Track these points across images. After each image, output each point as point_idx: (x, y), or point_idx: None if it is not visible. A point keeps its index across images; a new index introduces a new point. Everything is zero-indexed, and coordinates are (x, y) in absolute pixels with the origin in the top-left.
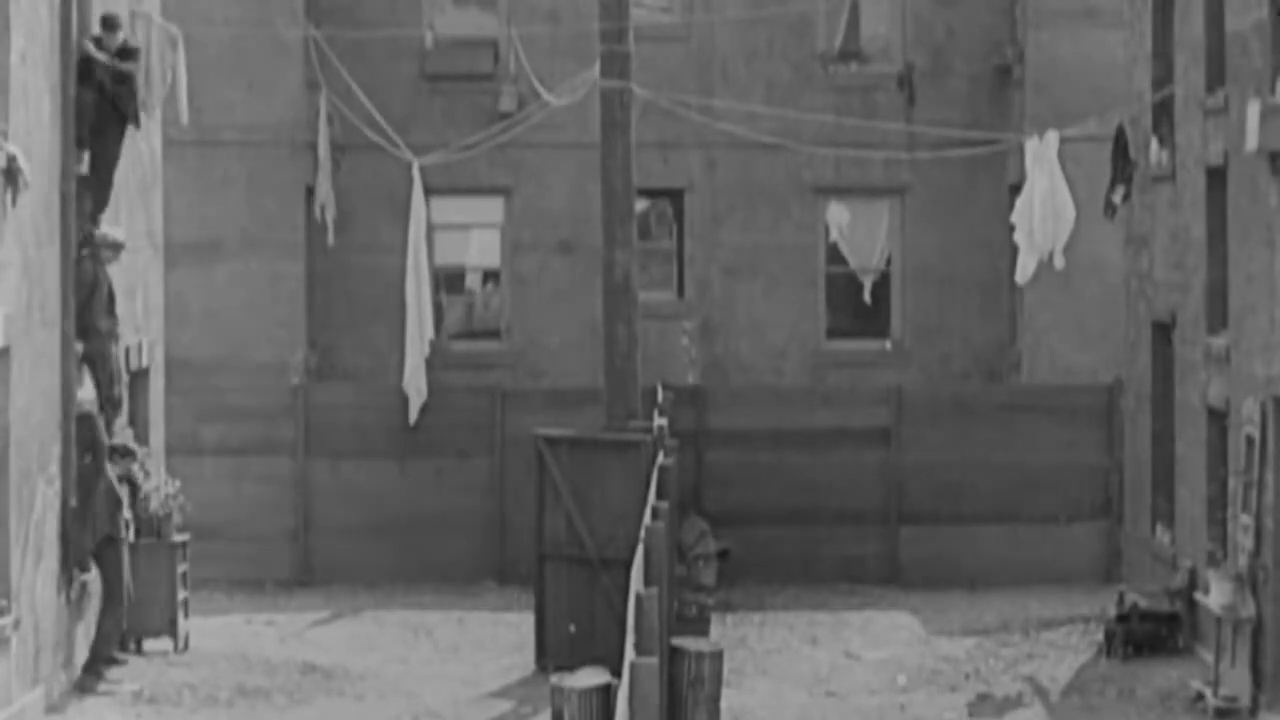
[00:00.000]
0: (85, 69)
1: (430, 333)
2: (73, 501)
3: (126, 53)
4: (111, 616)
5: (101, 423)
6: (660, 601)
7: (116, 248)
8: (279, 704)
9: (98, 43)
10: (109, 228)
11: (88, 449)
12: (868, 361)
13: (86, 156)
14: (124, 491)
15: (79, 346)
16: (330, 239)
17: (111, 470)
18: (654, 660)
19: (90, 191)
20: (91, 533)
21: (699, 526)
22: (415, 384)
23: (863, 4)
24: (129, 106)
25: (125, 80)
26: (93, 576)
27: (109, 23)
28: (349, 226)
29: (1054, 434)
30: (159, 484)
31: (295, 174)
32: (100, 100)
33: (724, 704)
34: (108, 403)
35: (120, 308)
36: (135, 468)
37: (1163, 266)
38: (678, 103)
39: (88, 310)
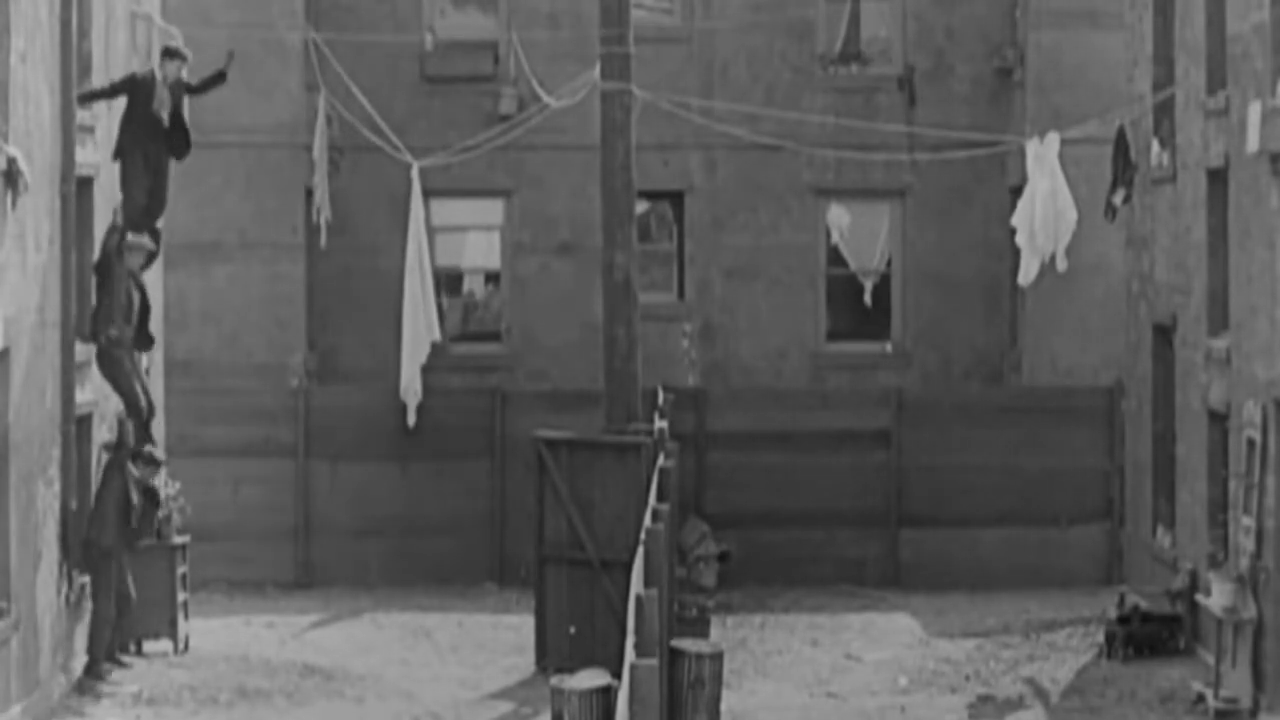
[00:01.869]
0: (147, 91)
1: (437, 334)
2: (73, 503)
3: (191, 88)
4: (102, 617)
5: (130, 427)
6: (660, 603)
7: (145, 251)
8: (279, 705)
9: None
10: (136, 235)
11: (110, 450)
12: (868, 363)
13: (119, 167)
14: (138, 495)
15: (87, 349)
16: (323, 241)
17: (132, 474)
18: (654, 662)
19: (141, 203)
20: (107, 532)
21: (699, 528)
22: (412, 388)
23: (863, 6)
24: (182, 134)
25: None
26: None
27: (172, 53)
28: (349, 228)
29: (1055, 436)
30: (159, 485)
31: (295, 175)
32: (148, 118)
33: (724, 705)
34: (130, 408)
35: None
36: (158, 478)
37: (1164, 268)
38: (678, 104)
39: (97, 315)
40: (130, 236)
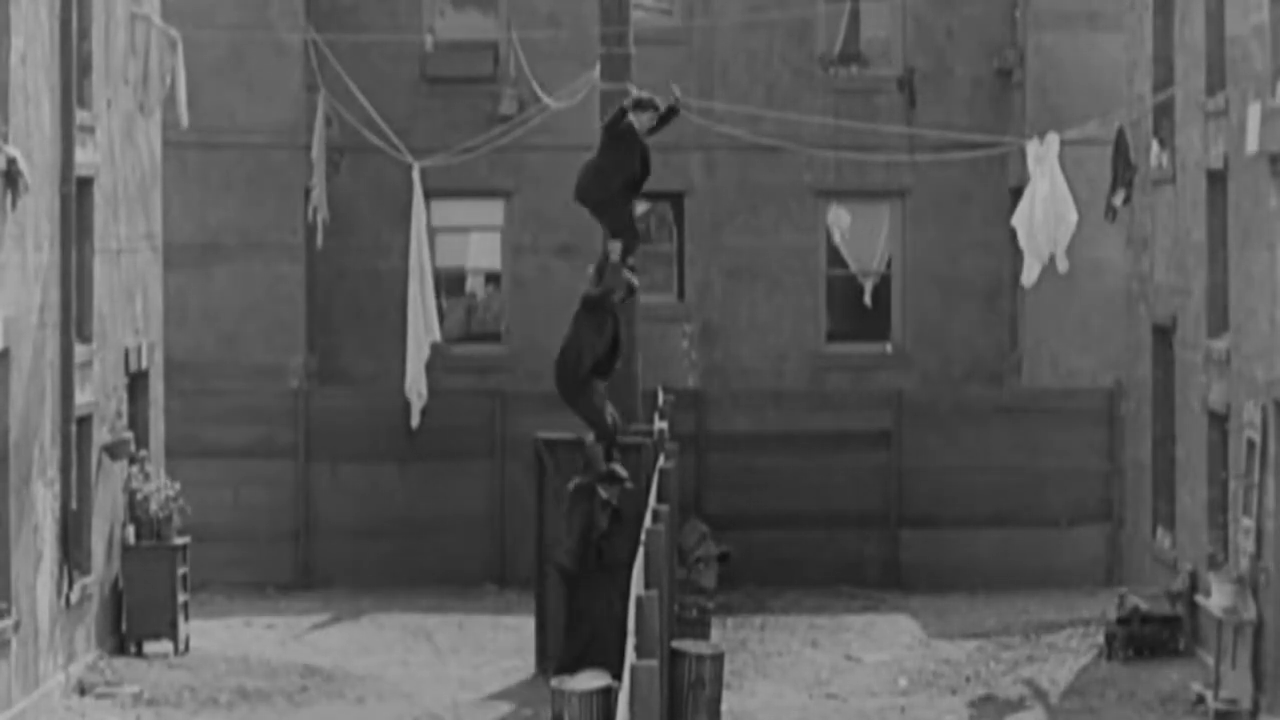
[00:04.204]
0: (628, 142)
1: (436, 335)
2: (73, 504)
3: (653, 130)
4: (578, 638)
5: (599, 451)
6: (661, 604)
7: (628, 286)
8: (279, 706)
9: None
10: (628, 271)
11: (580, 473)
12: (868, 364)
13: (596, 207)
14: (605, 519)
15: (601, 385)
16: (319, 242)
17: (600, 497)
18: (654, 663)
19: (634, 241)
20: (571, 556)
21: (699, 529)
22: (416, 388)
23: (863, 7)
24: (645, 177)
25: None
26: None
27: (643, 104)
28: (349, 229)
29: (1055, 437)
30: (159, 486)
31: (295, 176)
32: (625, 164)
33: (724, 706)
34: (601, 432)
35: (119, 307)
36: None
37: (1163, 269)
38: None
39: (580, 346)
40: (625, 273)
